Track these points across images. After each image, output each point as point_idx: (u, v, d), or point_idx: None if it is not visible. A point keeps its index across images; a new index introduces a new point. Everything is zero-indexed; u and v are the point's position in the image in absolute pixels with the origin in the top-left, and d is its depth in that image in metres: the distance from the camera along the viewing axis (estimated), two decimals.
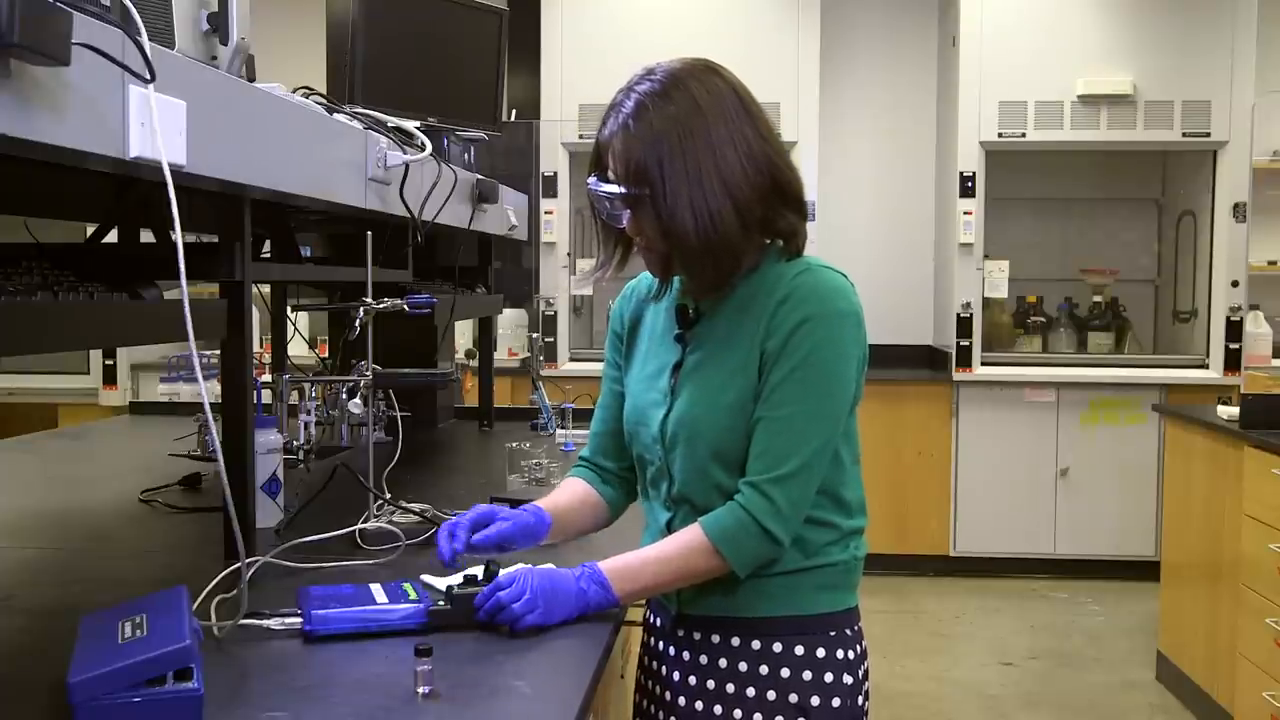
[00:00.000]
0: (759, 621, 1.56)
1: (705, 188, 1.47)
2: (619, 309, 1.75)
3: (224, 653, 1.43)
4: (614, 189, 1.52)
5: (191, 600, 1.37)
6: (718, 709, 1.57)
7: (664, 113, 1.48)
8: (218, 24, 1.63)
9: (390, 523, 1.99)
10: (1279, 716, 3.30)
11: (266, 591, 1.64)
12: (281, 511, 2.10)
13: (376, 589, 1.58)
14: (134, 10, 1.25)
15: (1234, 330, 5.36)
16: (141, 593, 1.39)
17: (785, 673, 1.55)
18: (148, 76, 1.25)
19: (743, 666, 1.56)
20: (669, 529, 1.59)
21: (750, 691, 1.56)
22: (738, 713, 1.56)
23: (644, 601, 1.72)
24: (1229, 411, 3.76)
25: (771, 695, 1.55)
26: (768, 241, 1.56)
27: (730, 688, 1.57)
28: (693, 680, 1.60)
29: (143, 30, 1.25)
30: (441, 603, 1.53)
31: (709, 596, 1.57)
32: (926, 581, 5.58)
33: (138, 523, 2.25)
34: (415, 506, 2.08)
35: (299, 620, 1.49)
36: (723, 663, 1.58)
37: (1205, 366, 5.52)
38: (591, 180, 1.56)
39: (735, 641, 1.57)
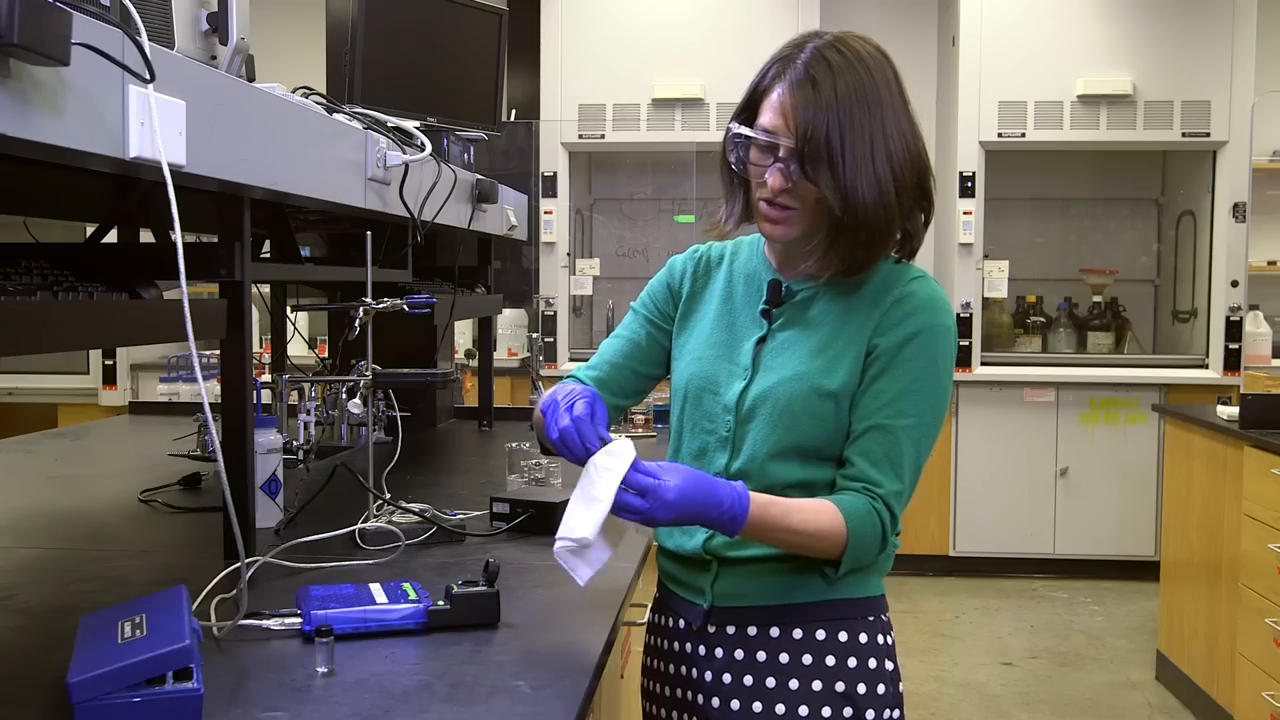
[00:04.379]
0: (799, 608, 1.51)
1: (878, 162, 1.43)
2: (684, 266, 1.66)
3: (224, 653, 1.43)
4: (778, 139, 1.45)
5: (191, 600, 1.37)
6: (756, 706, 1.51)
7: (845, 76, 1.45)
8: (218, 24, 1.63)
9: (390, 523, 1.99)
10: (1279, 716, 3.30)
11: (266, 591, 1.64)
12: (281, 511, 2.10)
13: (376, 589, 1.57)
14: (134, 10, 1.25)
15: (1234, 330, 5.37)
16: (141, 593, 1.40)
17: (830, 660, 1.51)
18: (147, 76, 1.25)
19: (784, 658, 1.51)
20: None
21: (794, 684, 1.50)
22: (780, 708, 1.50)
23: (654, 606, 1.67)
24: (1229, 411, 3.76)
25: (817, 685, 1.50)
26: None
27: (771, 681, 1.51)
28: (727, 678, 1.53)
29: (142, 30, 1.25)
30: (441, 602, 1.53)
31: (745, 585, 1.52)
32: (926, 581, 5.58)
33: (138, 522, 2.25)
34: (415, 506, 2.07)
35: (299, 620, 1.49)
36: (761, 656, 1.52)
37: (1205, 366, 5.52)
38: (736, 125, 1.51)
39: (775, 632, 1.52)
